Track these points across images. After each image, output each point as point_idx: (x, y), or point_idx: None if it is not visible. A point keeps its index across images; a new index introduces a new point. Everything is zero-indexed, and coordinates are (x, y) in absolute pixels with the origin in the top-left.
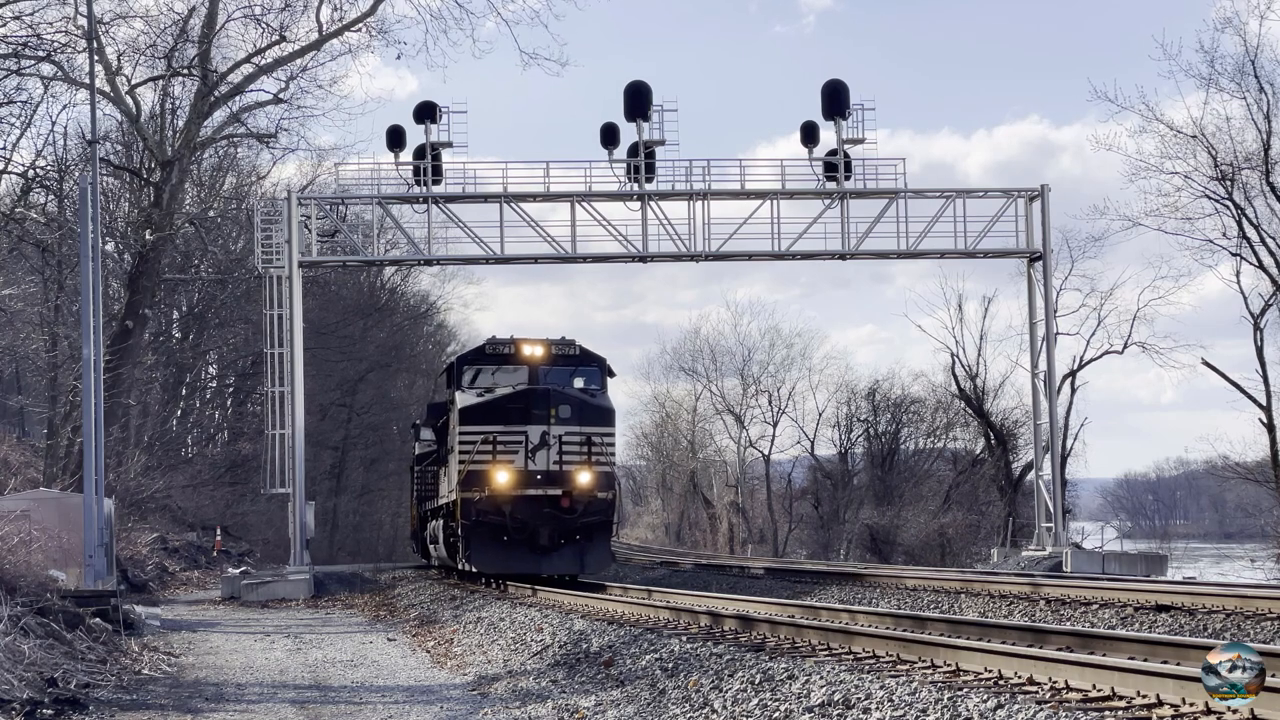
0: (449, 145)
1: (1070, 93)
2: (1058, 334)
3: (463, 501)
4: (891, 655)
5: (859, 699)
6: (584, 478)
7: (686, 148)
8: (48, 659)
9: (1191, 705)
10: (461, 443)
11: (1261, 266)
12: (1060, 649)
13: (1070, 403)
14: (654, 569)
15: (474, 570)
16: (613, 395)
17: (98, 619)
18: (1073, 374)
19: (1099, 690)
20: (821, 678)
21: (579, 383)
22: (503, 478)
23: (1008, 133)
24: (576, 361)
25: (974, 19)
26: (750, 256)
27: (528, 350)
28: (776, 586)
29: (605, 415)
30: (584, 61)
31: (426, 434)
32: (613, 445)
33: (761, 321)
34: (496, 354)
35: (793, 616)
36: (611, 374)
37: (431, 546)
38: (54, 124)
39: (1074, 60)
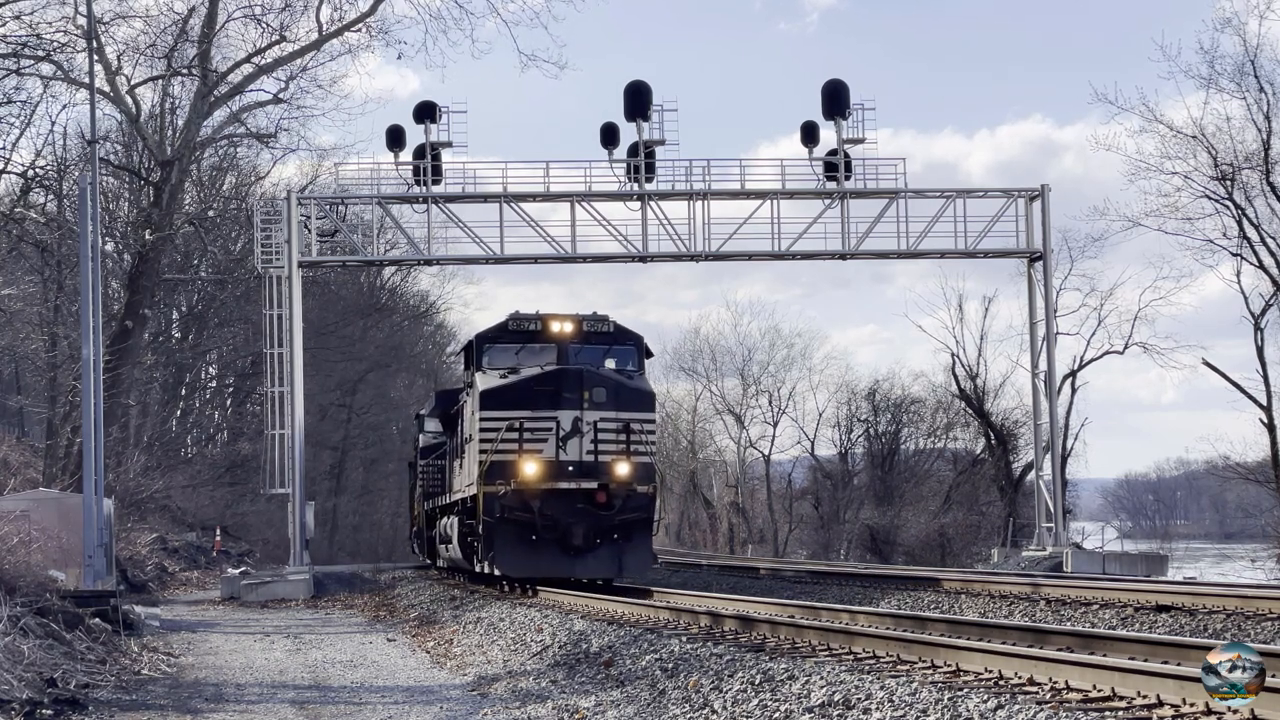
0: (449, 145)
1: (1073, 92)
2: (1058, 334)
3: (485, 496)
4: (892, 655)
5: (859, 699)
6: (622, 469)
7: (689, 147)
8: (47, 659)
9: (1192, 705)
10: (483, 430)
11: (1262, 266)
12: (1060, 649)
13: (1070, 403)
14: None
15: (496, 574)
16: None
17: (97, 619)
18: (1073, 374)
19: (1099, 690)
20: (822, 678)
21: (613, 363)
22: (531, 469)
23: (1010, 132)
24: (610, 339)
25: (977, 18)
26: (750, 256)
27: (556, 326)
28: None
29: (644, 399)
30: (585, 60)
31: (432, 425)
32: (654, 433)
33: (761, 321)
34: (521, 330)
35: (793, 617)
36: (649, 353)
37: (442, 547)
38: (54, 124)
39: (1077, 59)
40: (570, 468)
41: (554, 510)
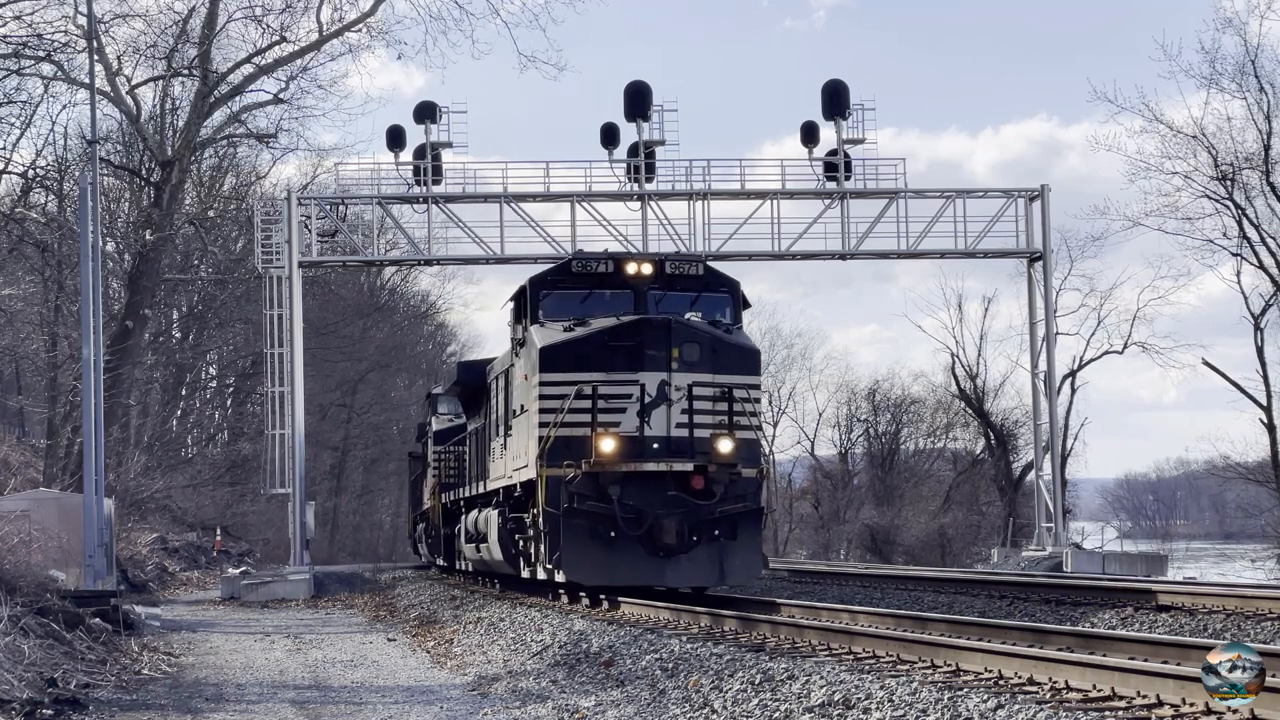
0: (449, 145)
1: (1078, 91)
2: (1058, 334)
3: (548, 482)
4: (892, 655)
5: (859, 699)
6: (724, 447)
7: (693, 146)
8: (47, 659)
9: (1192, 705)
10: (543, 397)
11: (1262, 266)
12: (1061, 649)
13: (1070, 403)
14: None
15: (562, 580)
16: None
17: (98, 619)
18: (1073, 374)
19: (1099, 690)
20: (822, 678)
21: (700, 315)
22: (608, 447)
23: (1014, 131)
24: (700, 285)
25: (980, 16)
26: (750, 256)
27: (632, 268)
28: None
29: (748, 358)
30: (588, 58)
31: (448, 406)
32: (759, 402)
33: (762, 322)
34: (588, 273)
35: (793, 616)
36: (747, 304)
37: (469, 547)
38: (54, 124)
39: (1082, 59)
40: (656, 445)
41: (637, 499)
